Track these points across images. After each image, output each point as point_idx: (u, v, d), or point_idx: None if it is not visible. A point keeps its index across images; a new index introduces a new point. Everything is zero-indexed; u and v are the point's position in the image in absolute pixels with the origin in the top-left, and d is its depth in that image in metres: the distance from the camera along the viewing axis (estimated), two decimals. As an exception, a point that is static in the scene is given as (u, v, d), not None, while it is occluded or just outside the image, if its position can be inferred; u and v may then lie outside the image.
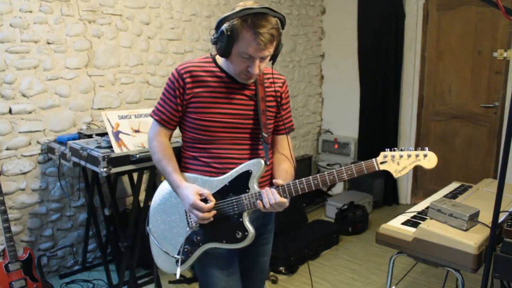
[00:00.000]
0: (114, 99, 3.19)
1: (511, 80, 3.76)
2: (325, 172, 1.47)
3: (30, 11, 2.72)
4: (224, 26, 1.44)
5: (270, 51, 1.47)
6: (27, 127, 2.79)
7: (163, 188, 1.69)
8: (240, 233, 1.52)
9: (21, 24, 2.69)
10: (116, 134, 2.53)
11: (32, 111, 2.81)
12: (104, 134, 2.69)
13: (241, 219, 1.52)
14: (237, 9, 1.43)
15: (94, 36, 3.02)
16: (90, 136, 2.79)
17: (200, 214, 1.50)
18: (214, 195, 1.55)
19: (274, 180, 1.52)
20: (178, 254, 1.61)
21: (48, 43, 2.82)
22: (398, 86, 4.40)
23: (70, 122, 2.98)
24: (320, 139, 5.08)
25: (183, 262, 1.61)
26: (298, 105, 4.80)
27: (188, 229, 1.59)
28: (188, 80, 1.54)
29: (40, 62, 2.80)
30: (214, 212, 1.52)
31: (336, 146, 4.91)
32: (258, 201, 1.48)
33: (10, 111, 2.71)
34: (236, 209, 1.53)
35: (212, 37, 1.50)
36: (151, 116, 1.66)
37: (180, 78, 1.55)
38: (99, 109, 3.10)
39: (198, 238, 1.58)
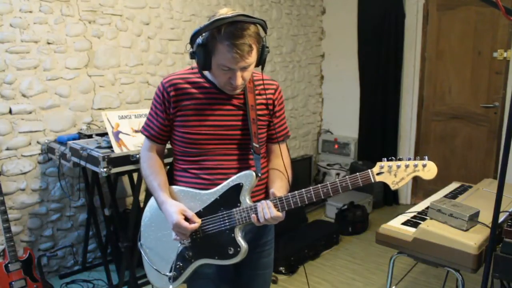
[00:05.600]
0: (114, 99, 3.19)
1: (511, 80, 3.76)
2: (319, 185, 1.41)
3: (30, 11, 2.72)
4: (199, 40, 1.38)
5: (250, 60, 1.39)
6: (27, 127, 2.79)
7: (153, 203, 1.63)
8: (232, 249, 1.46)
9: (21, 24, 2.69)
10: (116, 134, 2.54)
11: (32, 111, 2.81)
12: (104, 134, 2.69)
13: (233, 235, 1.46)
14: (210, 20, 1.34)
15: (94, 36, 3.02)
16: (90, 136, 2.79)
17: (184, 234, 1.47)
18: (204, 209, 1.50)
19: (271, 190, 1.46)
20: (170, 271, 1.56)
21: (48, 43, 2.82)
22: (398, 86, 4.40)
23: (70, 122, 2.98)
24: (320, 139, 5.08)
25: (175, 278, 1.55)
26: (298, 105, 4.80)
27: (179, 245, 1.53)
28: (172, 93, 1.49)
29: (40, 62, 2.80)
30: (197, 225, 1.47)
31: (336, 146, 4.91)
32: (253, 215, 1.42)
33: (10, 111, 2.71)
34: (227, 224, 1.47)
35: (189, 52, 1.43)
36: (141, 132, 1.63)
37: (164, 91, 1.50)
38: (99, 109, 3.10)
39: (190, 254, 1.53)
